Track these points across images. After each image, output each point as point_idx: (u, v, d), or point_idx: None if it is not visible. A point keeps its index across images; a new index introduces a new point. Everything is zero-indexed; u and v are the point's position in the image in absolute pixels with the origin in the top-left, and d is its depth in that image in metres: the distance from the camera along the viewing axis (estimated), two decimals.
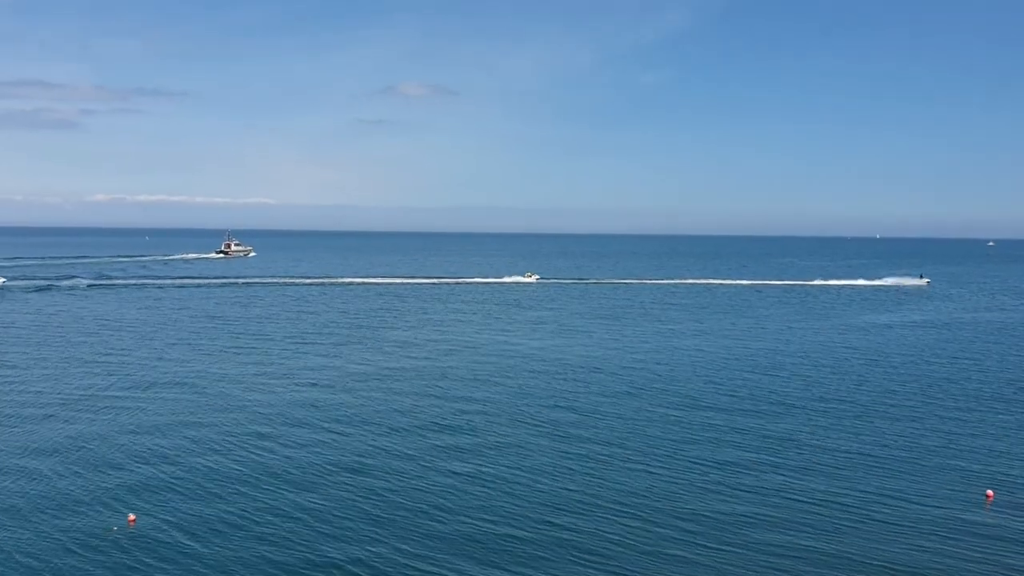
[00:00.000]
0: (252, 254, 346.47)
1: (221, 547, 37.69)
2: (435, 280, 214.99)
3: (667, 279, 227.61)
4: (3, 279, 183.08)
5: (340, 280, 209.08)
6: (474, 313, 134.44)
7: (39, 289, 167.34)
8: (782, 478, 47.65)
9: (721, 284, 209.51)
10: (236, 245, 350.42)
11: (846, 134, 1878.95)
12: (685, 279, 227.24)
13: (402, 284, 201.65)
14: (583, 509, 42.68)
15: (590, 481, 47.11)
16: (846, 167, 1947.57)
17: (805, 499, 44.17)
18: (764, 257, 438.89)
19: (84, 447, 52.53)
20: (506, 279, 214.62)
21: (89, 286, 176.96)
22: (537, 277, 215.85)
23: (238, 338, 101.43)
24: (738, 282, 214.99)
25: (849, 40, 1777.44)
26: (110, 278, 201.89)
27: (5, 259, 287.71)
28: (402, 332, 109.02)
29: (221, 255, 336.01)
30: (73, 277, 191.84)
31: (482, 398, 68.64)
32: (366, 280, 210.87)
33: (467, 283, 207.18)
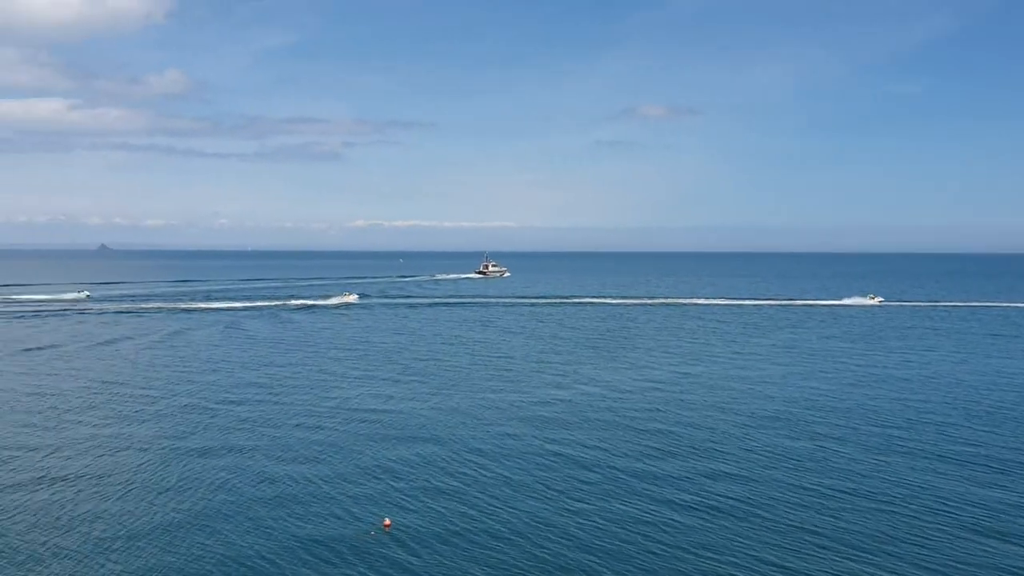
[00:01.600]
0: (507, 274, 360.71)
1: (473, 554, 39.19)
2: (763, 302, 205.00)
3: None
4: (355, 295, 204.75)
5: (613, 300, 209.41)
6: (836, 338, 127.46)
7: (311, 309, 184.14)
8: None
9: None
10: (493, 266, 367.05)
11: None
12: None
13: (722, 305, 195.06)
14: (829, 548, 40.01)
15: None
16: None
17: None
18: None
19: (341, 454, 56.72)
20: (845, 301, 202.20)
21: (362, 302, 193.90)
22: (880, 300, 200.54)
23: (494, 356, 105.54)
24: None
25: None
26: (389, 296, 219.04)
27: (288, 279, 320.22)
28: (753, 359, 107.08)
29: (479, 275, 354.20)
30: (348, 294, 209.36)
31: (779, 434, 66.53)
32: (669, 300, 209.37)
33: (801, 305, 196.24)
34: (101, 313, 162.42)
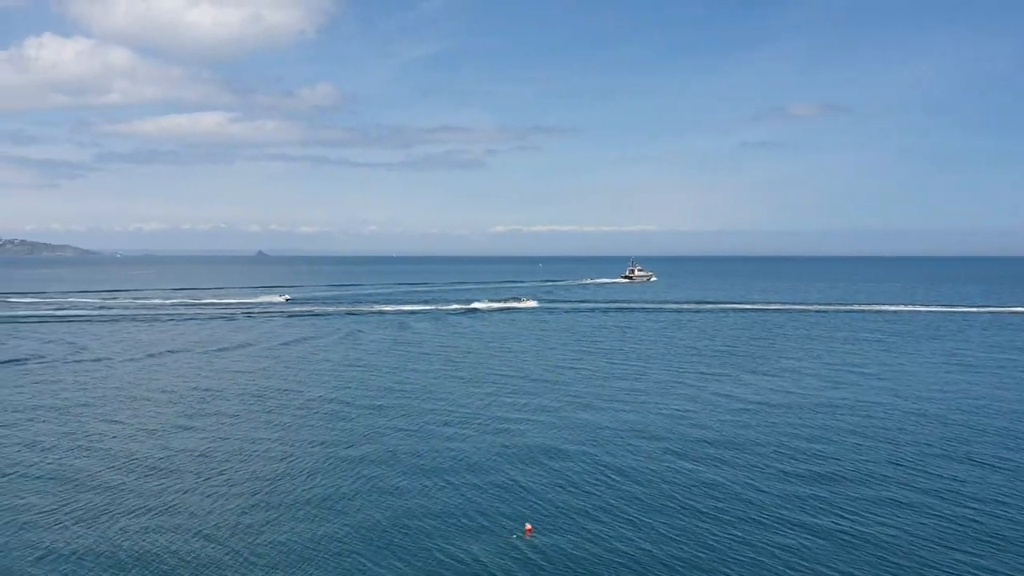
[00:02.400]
0: (653, 279, 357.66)
1: (614, 565, 38.50)
2: (923, 308, 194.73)
3: None
4: (535, 302, 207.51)
5: (764, 306, 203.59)
6: None
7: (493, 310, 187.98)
8: None
9: None
10: (639, 271, 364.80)
11: None
12: None
13: (876, 311, 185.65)
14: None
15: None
16: None
17: None
18: None
19: (483, 458, 57.06)
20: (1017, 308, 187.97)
21: (526, 305, 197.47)
22: None
23: (644, 360, 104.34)
24: None
25: None
26: (547, 301, 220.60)
27: (450, 284, 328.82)
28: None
29: (625, 280, 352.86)
30: (525, 299, 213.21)
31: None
32: (820, 307, 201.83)
33: (963, 312, 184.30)
34: (300, 316, 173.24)
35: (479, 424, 67.03)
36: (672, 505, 46.74)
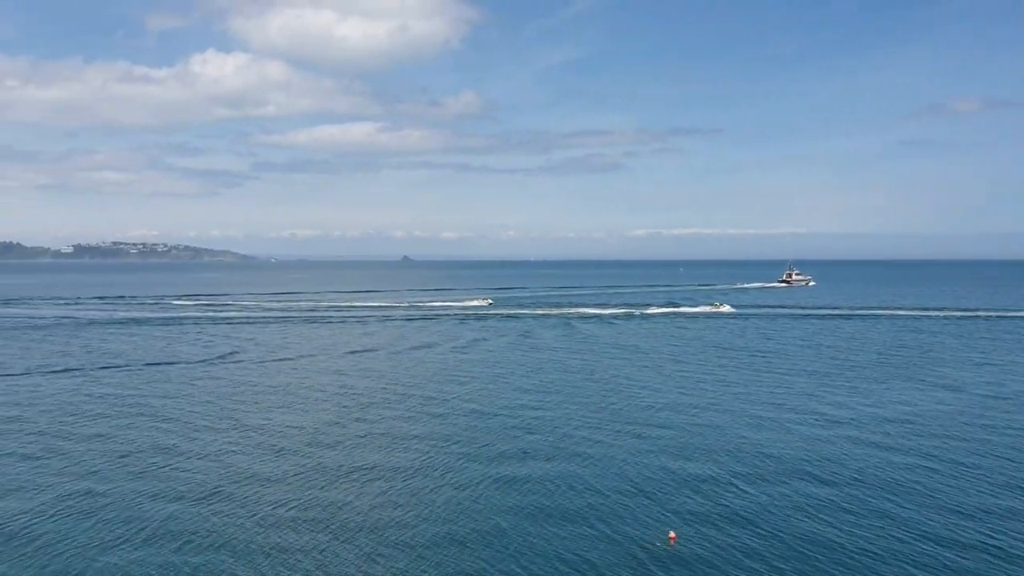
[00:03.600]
0: (812, 283, 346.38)
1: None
2: None
3: None
4: (728, 306, 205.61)
5: (944, 312, 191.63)
6: None
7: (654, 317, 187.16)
8: None
9: None
10: (797, 275, 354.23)
11: None
12: None
13: None
14: None
15: None
16: None
17: None
18: None
19: (625, 465, 55.97)
20: None
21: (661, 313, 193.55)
22: None
23: (792, 371, 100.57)
24: None
25: None
26: (678, 305, 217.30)
27: (601, 287, 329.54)
28: None
29: (783, 284, 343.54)
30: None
31: None
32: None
33: None
34: (504, 317, 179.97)
35: (634, 426, 66.02)
36: (833, 528, 44.30)
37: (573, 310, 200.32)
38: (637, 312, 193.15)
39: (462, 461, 56.02)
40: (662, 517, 44.70)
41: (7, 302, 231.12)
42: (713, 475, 52.65)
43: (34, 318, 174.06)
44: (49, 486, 50.02)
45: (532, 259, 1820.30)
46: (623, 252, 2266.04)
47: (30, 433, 63.98)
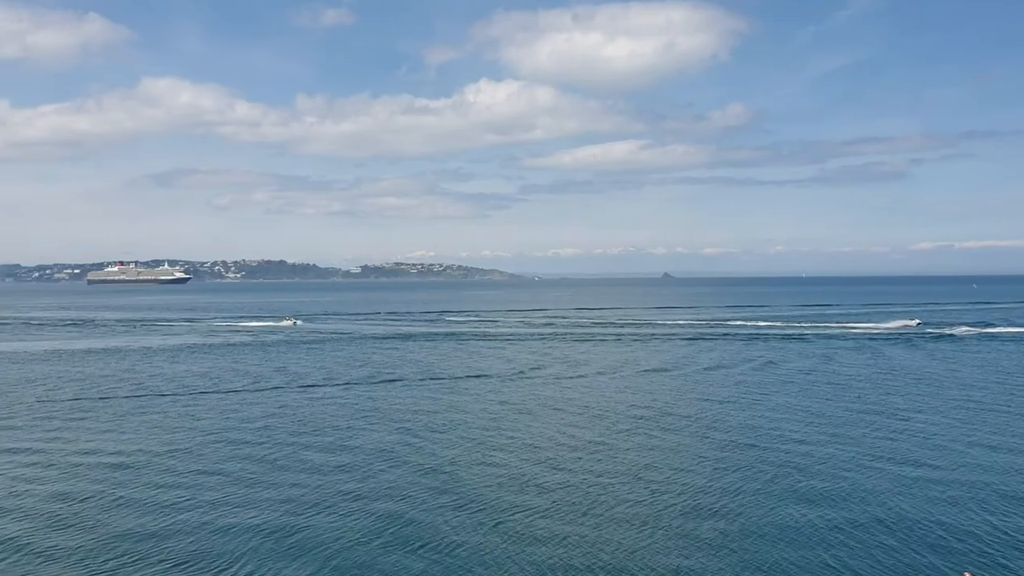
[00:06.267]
0: None
1: None
2: None
3: None
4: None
5: None
6: None
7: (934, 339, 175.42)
8: None
9: None
10: None
11: None
12: None
13: None
14: None
15: None
16: None
17: None
18: None
19: (929, 496, 52.73)
20: None
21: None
22: None
23: None
24: None
25: None
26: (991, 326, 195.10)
27: (859, 305, 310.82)
28: None
29: None
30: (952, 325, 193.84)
31: None
32: None
33: None
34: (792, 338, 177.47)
35: (927, 458, 62.00)
36: None
37: (861, 326, 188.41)
38: (942, 331, 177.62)
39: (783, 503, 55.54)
40: (954, 557, 41.66)
41: (312, 318, 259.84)
42: (1003, 506, 48.07)
43: (337, 333, 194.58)
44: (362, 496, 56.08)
45: (804, 275, 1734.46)
46: (906, 267, 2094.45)
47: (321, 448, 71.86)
